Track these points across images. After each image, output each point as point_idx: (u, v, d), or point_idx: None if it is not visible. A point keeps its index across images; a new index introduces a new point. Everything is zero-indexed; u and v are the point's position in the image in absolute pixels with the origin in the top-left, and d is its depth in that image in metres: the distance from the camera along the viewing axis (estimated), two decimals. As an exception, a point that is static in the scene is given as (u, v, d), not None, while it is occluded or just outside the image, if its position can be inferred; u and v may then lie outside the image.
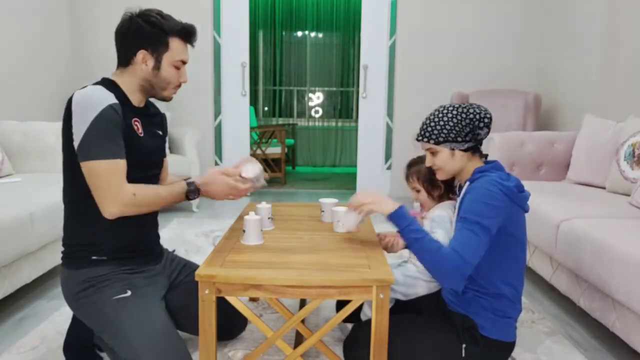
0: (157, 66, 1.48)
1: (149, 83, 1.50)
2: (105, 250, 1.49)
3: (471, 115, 1.46)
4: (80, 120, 1.36)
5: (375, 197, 1.53)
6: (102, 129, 1.36)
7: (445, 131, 1.47)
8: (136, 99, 1.53)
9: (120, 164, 1.40)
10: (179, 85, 1.57)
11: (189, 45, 1.55)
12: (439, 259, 1.37)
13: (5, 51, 3.44)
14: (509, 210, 1.41)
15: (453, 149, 1.49)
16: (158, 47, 1.47)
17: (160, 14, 1.49)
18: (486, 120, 1.48)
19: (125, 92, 1.50)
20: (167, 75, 1.50)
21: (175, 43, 1.49)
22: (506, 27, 4.43)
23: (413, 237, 1.42)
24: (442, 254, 1.36)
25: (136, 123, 1.50)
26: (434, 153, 1.52)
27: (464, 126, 1.46)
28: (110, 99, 1.40)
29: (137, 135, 1.49)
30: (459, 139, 1.47)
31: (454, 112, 1.47)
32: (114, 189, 1.38)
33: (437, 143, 1.49)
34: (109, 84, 1.48)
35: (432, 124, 1.50)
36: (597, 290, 1.88)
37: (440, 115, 1.49)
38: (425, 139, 1.52)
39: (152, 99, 1.68)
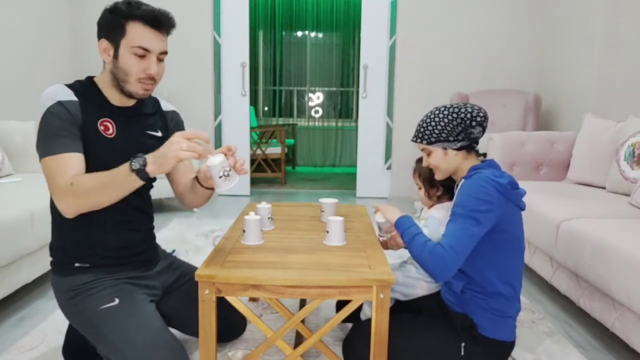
0: (116, 55, 1.37)
1: (114, 76, 1.40)
2: (87, 257, 1.46)
3: (462, 115, 1.49)
4: (38, 122, 1.36)
5: (390, 207, 1.64)
6: (48, 126, 1.33)
7: (436, 131, 1.51)
8: (114, 97, 1.44)
9: (64, 159, 1.32)
10: (151, 80, 1.40)
11: (163, 35, 1.40)
12: (426, 253, 1.41)
13: (6, 51, 3.44)
14: (502, 206, 1.42)
15: (445, 149, 1.52)
16: (115, 34, 1.36)
17: (129, 1, 1.36)
18: (479, 119, 1.50)
19: (102, 90, 1.44)
20: (125, 65, 1.36)
21: (133, 28, 1.35)
22: (506, 27, 4.43)
23: (406, 240, 1.49)
24: (428, 247, 1.41)
25: (105, 123, 1.41)
26: (428, 153, 1.57)
27: (455, 126, 1.49)
28: (62, 95, 1.35)
29: (103, 136, 1.41)
30: (451, 138, 1.50)
31: (445, 113, 1.51)
32: (56, 184, 1.31)
33: (430, 143, 1.54)
34: (85, 82, 1.44)
35: (425, 124, 1.54)
36: (597, 290, 1.88)
37: (432, 116, 1.53)
38: (419, 140, 1.57)
39: (162, 100, 1.64)
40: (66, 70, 4.27)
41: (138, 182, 1.28)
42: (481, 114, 1.51)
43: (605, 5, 3.38)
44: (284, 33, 7.13)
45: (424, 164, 1.61)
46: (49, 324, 1.98)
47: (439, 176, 1.60)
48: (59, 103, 1.34)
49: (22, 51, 3.64)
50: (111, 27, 1.37)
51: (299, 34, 7.16)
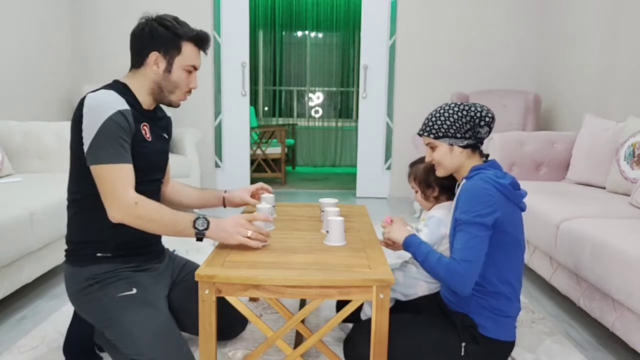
0: (169, 69, 1.51)
1: (159, 86, 1.52)
2: (109, 247, 1.51)
3: (472, 113, 1.50)
4: (91, 124, 1.39)
5: (397, 225, 1.63)
6: (110, 134, 1.39)
7: (445, 126, 1.51)
8: (146, 102, 1.55)
9: (126, 169, 1.42)
10: (189, 92, 1.58)
11: (201, 53, 1.57)
12: (442, 271, 1.43)
13: (6, 51, 3.44)
14: (503, 206, 1.43)
15: (452, 145, 1.52)
16: (170, 50, 1.50)
17: (175, 19, 1.52)
18: (487, 119, 1.51)
19: (136, 96, 1.52)
20: (177, 79, 1.52)
21: (188, 48, 1.51)
22: (506, 27, 4.43)
23: (420, 260, 1.51)
24: (443, 264, 1.43)
25: (145, 128, 1.53)
26: (433, 148, 1.57)
27: (463, 123, 1.49)
28: (120, 104, 1.42)
29: (145, 139, 1.52)
30: (458, 135, 1.51)
31: (455, 109, 1.52)
32: (118, 194, 1.40)
33: (437, 137, 1.54)
34: (121, 87, 1.50)
35: (434, 119, 1.54)
36: (597, 290, 1.88)
37: (442, 111, 1.54)
38: (426, 133, 1.56)
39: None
40: (66, 70, 4.27)
41: (192, 236, 1.45)
42: (490, 115, 1.52)
43: (605, 5, 3.38)
44: (284, 33, 7.13)
45: (427, 159, 1.61)
46: (49, 324, 1.98)
47: (440, 172, 1.60)
48: (120, 113, 1.41)
49: (22, 51, 3.64)
50: (167, 43, 1.49)
51: (299, 34, 7.16)
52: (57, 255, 2.33)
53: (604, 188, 2.67)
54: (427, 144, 1.59)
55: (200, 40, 1.54)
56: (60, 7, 4.17)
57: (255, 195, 1.87)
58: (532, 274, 2.63)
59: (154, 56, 1.49)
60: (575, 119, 3.62)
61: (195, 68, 1.56)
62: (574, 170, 2.91)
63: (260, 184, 1.90)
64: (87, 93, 1.43)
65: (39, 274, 2.25)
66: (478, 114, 1.50)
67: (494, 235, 1.44)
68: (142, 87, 1.52)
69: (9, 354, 1.75)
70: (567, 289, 2.12)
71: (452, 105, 1.53)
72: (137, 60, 1.52)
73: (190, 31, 1.51)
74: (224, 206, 1.87)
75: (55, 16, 4.11)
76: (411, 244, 1.54)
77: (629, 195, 2.41)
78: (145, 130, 1.53)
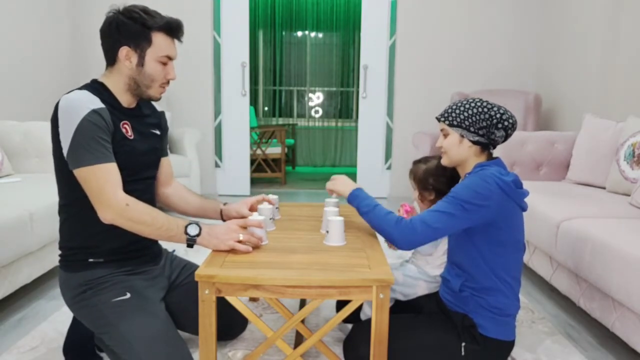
0: (141, 62, 1.46)
1: (134, 81, 1.47)
2: (101, 252, 1.49)
3: (492, 113, 1.50)
4: (66, 127, 1.36)
5: (338, 179, 1.69)
6: (87, 134, 1.35)
7: (461, 117, 1.52)
8: (126, 100, 1.51)
9: (111, 168, 1.39)
10: (167, 83, 1.53)
11: (176, 42, 1.52)
12: (388, 222, 1.49)
13: (5, 51, 3.44)
14: (502, 204, 1.43)
15: (462, 136, 1.53)
16: (141, 43, 1.44)
17: (144, 9, 1.46)
18: (506, 123, 1.50)
19: (114, 94, 1.48)
20: (152, 72, 1.47)
21: (159, 38, 1.46)
22: (506, 27, 4.43)
23: (364, 211, 1.56)
24: (393, 217, 1.50)
25: (125, 126, 1.48)
26: (445, 135, 1.58)
27: (480, 119, 1.49)
28: (94, 103, 1.39)
29: (126, 138, 1.47)
30: (472, 129, 1.50)
31: (478, 104, 1.52)
32: (107, 195, 1.37)
33: (450, 125, 1.54)
34: (97, 86, 1.47)
35: (454, 107, 1.55)
36: (597, 290, 1.88)
37: (465, 102, 1.55)
38: (443, 119, 1.57)
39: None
40: (65, 70, 4.27)
41: (183, 242, 1.46)
42: (510, 121, 1.51)
43: (605, 5, 3.38)
44: (284, 33, 7.13)
45: (438, 144, 1.61)
46: (48, 324, 1.98)
47: (445, 161, 1.60)
48: (94, 111, 1.37)
49: (22, 51, 3.64)
50: (136, 35, 1.44)
51: (299, 34, 7.16)
52: (57, 256, 2.31)
53: (604, 188, 2.67)
54: (441, 130, 1.59)
55: (171, 29, 1.47)
56: (59, 7, 4.16)
57: (254, 208, 1.78)
58: (532, 274, 2.63)
59: (124, 51, 1.44)
60: (575, 119, 3.61)
61: (171, 58, 1.50)
62: (574, 170, 2.91)
63: (262, 196, 1.81)
64: (62, 95, 1.40)
65: (39, 275, 2.25)
66: (498, 116, 1.49)
67: (492, 233, 1.44)
68: (118, 84, 1.48)
69: (9, 354, 1.74)
70: (567, 289, 2.12)
71: (477, 100, 1.54)
72: (110, 57, 1.47)
73: (159, 20, 1.45)
74: (223, 220, 1.78)
75: (55, 16, 4.11)
76: (357, 197, 1.59)
77: (629, 195, 2.41)
78: (127, 129, 1.48)
